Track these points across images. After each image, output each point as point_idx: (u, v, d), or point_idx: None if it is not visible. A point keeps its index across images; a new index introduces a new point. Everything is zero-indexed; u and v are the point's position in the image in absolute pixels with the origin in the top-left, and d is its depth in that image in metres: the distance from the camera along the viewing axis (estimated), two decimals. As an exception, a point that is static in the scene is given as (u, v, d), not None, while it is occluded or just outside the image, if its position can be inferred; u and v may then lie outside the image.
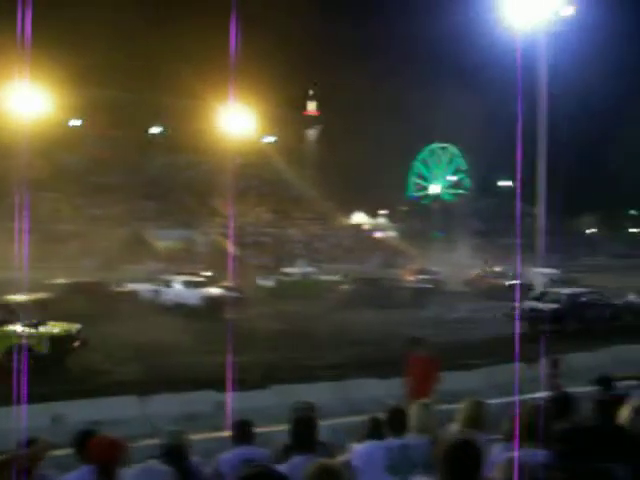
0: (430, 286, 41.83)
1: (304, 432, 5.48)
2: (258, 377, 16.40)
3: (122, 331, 24.08)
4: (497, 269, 48.86)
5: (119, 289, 34.29)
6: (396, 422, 5.69)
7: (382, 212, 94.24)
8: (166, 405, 13.31)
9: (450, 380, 15.63)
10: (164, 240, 59.48)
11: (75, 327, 20.55)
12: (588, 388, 9.51)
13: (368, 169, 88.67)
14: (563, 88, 63.87)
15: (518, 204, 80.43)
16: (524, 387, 11.85)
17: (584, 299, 29.83)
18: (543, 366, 14.33)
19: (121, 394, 14.00)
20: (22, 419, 8.87)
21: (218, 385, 13.28)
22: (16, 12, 9.39)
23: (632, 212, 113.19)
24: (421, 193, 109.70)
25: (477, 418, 5.74)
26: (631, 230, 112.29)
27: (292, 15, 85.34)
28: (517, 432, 4.77)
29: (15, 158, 54.70)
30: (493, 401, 11.22)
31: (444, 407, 8.63)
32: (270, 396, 13.98)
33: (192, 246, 60.73)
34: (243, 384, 13.67)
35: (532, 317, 28.08)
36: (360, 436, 6.05)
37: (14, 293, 23.78)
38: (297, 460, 5.11)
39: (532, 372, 15.14)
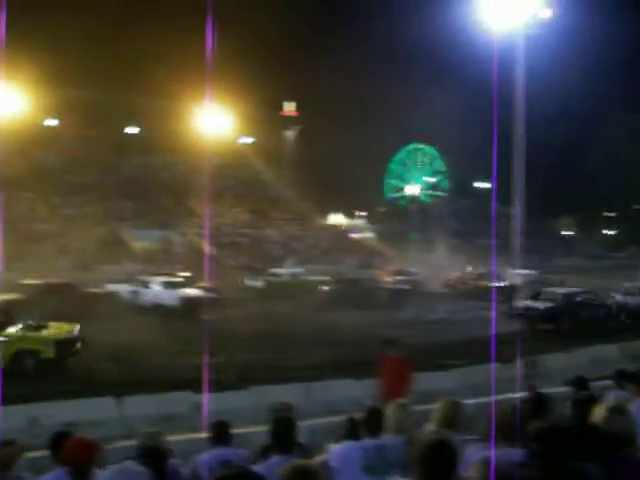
0: (408, 287, 41.96)
1: (283, 433, 5.49)
2: (234, 378, 16.35)
3: (96, 332, 23.94)
4: (480, 271, 48.41)
5: (92, 290, 33.99)
6: (373, 422, 5.71)
7: (360, 213, 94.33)
8: (143, 406, 13.26)
9: (426, 380, 15.69)
10: (141, 240, 59.21)
11: (76, 327, 20.42)
12: (563, 388, 9.59)
13: (346, 170, 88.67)
14: (541, 90, 64.36)
15: (494, 205, 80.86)
16: (500, 387, 11.92)
17: (579, 299, 30.48)
18: (519, 366, 14.45)
19: (97, 395, 13.92)
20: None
21: (195, 386, 13.26)
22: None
23: (609, 214, 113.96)
24: (398, 194, 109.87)
25: (452, 418, 5.77)
26: (607, 232, 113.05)
27: (269, 15, 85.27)
28: (492, 432, 4.80)
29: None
30: (469, 401, 11.29)
31: (420, 407, 8.65)
32: (247, 397, 13.97)
33: (169, 246, 60.50)
34: (219, 385, 13.66)
35: (528, 316, 28.80)
36: (337, 436, 6.06)
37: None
38: (275, 460, 5.12)
39: (508, 372, 15.25)
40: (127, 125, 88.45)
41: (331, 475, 5.37)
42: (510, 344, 15.70)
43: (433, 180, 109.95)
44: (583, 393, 7.41)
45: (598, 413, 4.46)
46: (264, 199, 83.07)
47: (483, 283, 42.83)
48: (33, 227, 56.53)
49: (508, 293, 38.10)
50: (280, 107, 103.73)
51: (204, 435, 6.88)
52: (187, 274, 40.72)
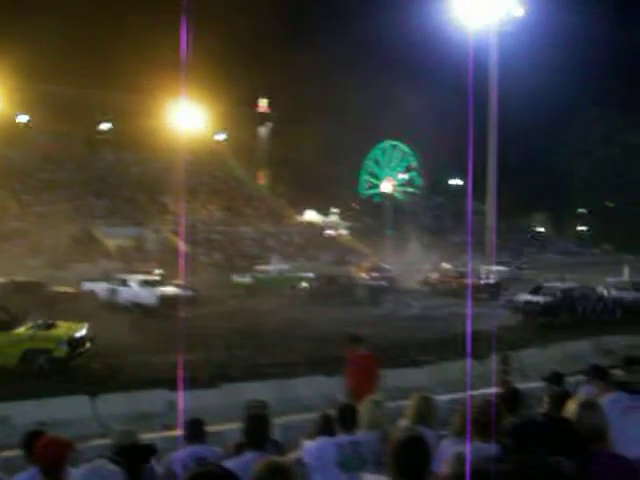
0: (386, 284, 42.07)
1: (256, 430, 5.49)
2: (207, 376, 16.32)
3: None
4: (459, 268, 47.63)
5: (60, 289, 33.62)
6: (346, 419, 5.73)
7: (334, 210, 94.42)
8: (117, 404, 13.20)
9: (400, 377, 15.80)
10: (114, 238, 58.82)
11: (85, 326, 20.24)
12: (538, 384, 9.66)
13: (320, 166, 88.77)
14: (514, 88, 64.72)
15: (469, 202, 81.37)
16: (475, 383, 12.02)
17: (576, 293, 31.44)
18: (494, 362, 14.54)
19: (71, 394, 13.83)
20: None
21: (170, 384, 13.23)
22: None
23: (581, 210, 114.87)
24: (373, 191, 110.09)
25: (425, 413, 5.80)
26: (580, 228, 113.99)
27: (243, 12, 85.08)
28: (468, 427, 4.84)
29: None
30: (443, 397, 11.37)
31: (395, 403, 8.70)
32: (221, 395, 13.95)
33: (143, 244, 60.15)
34: (194, 383, 13.63)
35: (527, 309, 30.14)
36: (311, 433, 6.07)
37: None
38: (248, 457, 5.11)
39: (483, 368, 15.36)
40: (100, 121, 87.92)
41: (306, 471, 5.39)
42: (487, 340, 15.81)
43: (407, 177, 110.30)
44: (554, 388, 7.48)
45: (570, 408, 4.51)
46: (238, 196, 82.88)
47: (462, 280, 41.87)
48: (3, 225, 55.94)
49: (494, 290, 38.62)
50: (255, 103, 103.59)
51: (179, 433, 6.85)
52: (161, 271, 40.59)
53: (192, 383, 13.17)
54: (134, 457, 5.50)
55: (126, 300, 32.67)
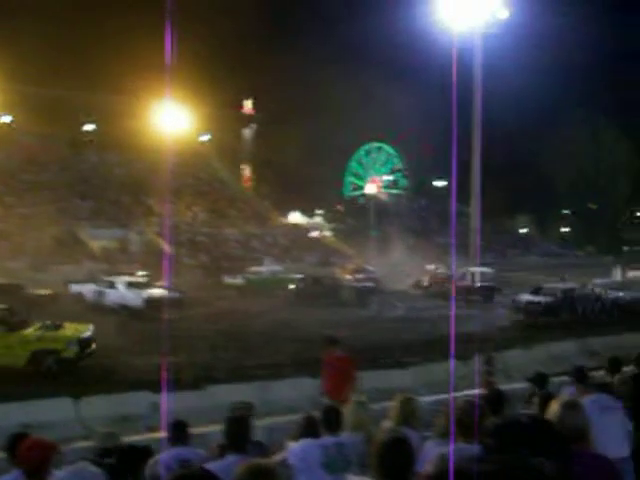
0: (373, 285, 41.95)
1: (237, 432, 5.47)
2: (192, 377, 16.29)
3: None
4: (448, 271, 47.13)
5: (40, 292, 33.40)
6: (331, 420, 5.74)
7: (319, 211, 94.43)
8: (100, 407, 13.15)
9: (385, 378, 15.83)
10: (98, 239, 58.56)
11: (91, 327, 20.26)
12: (522, 384, 9.72)
13: (304, 168, 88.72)
14: (499, 90, 64.88)
15: (453, 204, 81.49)
16: (459, 384, 12.05)
17: (576, 294, 32.49)
18: (478, 363, 14.58)
19: (54, 396, 13.76)
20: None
21: (154, 386, 13.20)
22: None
23: (565, 212, 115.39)
24: (357, 192, 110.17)
25: (409, 415, 5.82)
26: (564, 230, 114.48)
27: (227, 14, 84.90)
28: (452, 428, 4.86)
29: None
30: (427, 398, 11.40)
31: (379, 405, 8.72)
32: (205, 397, 13.93)
33: (127, 245, 59.92)
34: (178, 385, 13.60)
35: (528, 309, 31.08)
36: (295, 434, 6.08)
37: None
38: (229, 460, 5.11)
39: (467, 369, 15.41)
40: (84, 123, 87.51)
41: (291, 473, 5.40)
42: (473, 342, 15.87)
43: (391, 178, 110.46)
44: (541, 390, 7.54)
45: (552, 408, 4.54)
46: (223, 197, 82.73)
47: (456, 283, 41.12)
48: (-13, 227, 55.59)
49: (488, 293, 38.67)
50: (240, 105, 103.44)
51: (162, 435, 6.84)
52: (145, 273, 40.48)
53: (176, 385, 13.14)
54: (132, 458, 5.50)
55: (113, 302, 32.58)
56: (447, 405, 5.60)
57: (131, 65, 68.91)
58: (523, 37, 64.22)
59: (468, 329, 23.04)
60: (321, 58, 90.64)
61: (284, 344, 23.14)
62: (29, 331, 18.92)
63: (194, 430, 7.05)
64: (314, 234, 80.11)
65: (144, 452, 5.68)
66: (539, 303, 31.19)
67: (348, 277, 44.69)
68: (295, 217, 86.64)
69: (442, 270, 48.89)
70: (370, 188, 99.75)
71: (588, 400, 6.12)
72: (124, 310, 31.31)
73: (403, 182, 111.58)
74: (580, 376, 7.87)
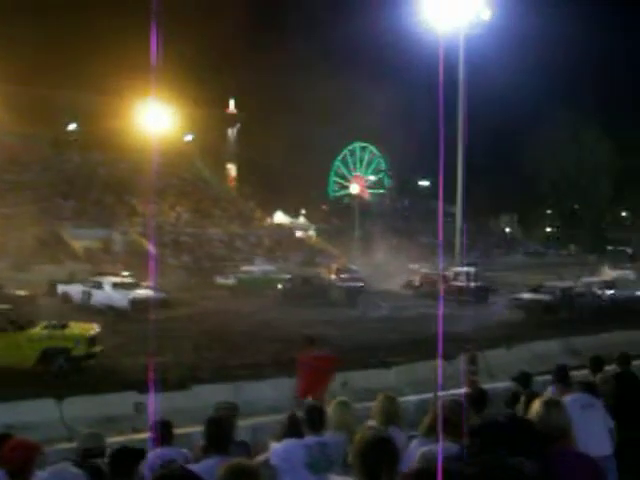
0: (362, 285, 41.75)
1: (217, 433, 5.45)
2: (177, 378, 16.26)
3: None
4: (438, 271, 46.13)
5: (19, 292, 33.17)
6: (314, 420, 5.74)
7: (303, 211, 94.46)
8: (84, 407, 13.10)
9: (369, 378, 15.86)
10: (81, 239, 58.26)
11: (96, 327, 20.24)
12: (505, 384, 9.76)
13: (289, 168, 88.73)
14: (483, 91, 65.19)
15: (440, 204, 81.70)
16: (443, 383, 12.06)
17: (575, 292, 33.73)
18: (462, 363, 14.63)
19: (38, 396, 13.69)
20: None
21: (139, 386, 13.17)
22: None
23: (548, 212, 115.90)
24: (342, 192, 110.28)
25: (391, 414, 5.83)
26: (548, 229, 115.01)
27: (212, 14, 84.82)
28: (437, 427, 4.88)
29: None
30: (411, 398, 11.44)
31: (363, 405, 8.73)
32: (190, 396, 13.90)
33: (110, 246, 59.65)
34: (164, 385, 13.56)
35: (530, 307, 32.35)
36: (278, 434, 6.08)
37: None
38: (210, 462, 5.11)
39: (452, 369, 15.45)
40: (67, 122, 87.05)
41: (274, 473, 5.40)
42: (460, 341, 15.90)
43: (375, 178, 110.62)
44: (520, 390, 7.57)
45: (534, 407, 4.57)
46: (207, 197, 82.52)
47: (450, 284, 40.57)
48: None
49: (482, 293, 38.68)
50: (225, 105, 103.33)
51: (147, 435, 6.83)
52: (128, 273, 40.31)
53: (161, 385, 13.10)
54: (126, 460, 5.50)
55: (99, 303, 32.48)
56: (432, 404, 5.62)
57: (115, 65, 68.70)
58: (506, 38, 64.61)
59: (456, 328, 23.17)
60: (305, 58, 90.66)
61: (271, 343, 23.11)
62: (37, 330, 18.88)
63: (179, 430, 7.05)
64: (298, 234, 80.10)
65: (137, 454, 5.67)
66: (540, 301, 32.28)
67: (333, 277, 44.62)
68: (279, 217, 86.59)
69: (427, 270, 47.97)
70: (354, 188, 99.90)
71: (569, 399, 6.15)
72: (110, 311, 31.20)
73: (387, 182, 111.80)
74: (561, 375, 7.91)
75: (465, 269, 45.31)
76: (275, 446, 5.69)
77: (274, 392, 14.31)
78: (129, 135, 75.30)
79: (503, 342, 21.91)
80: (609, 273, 47.38)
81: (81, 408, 13.04)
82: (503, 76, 79.65)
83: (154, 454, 6.05)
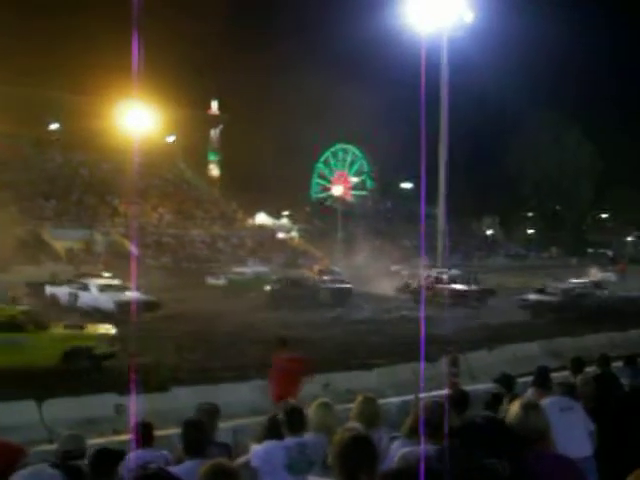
0: (350, 287, 41.35)
1: (193, 436, 5.43)
2: (158, 379, 16.20)
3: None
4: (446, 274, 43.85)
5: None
6: (293, 421, 5.73)
7: (286, 213, 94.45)
8: (65, 409, 13.02)
9: (350, 379, 15.87)
10: (63, 240, 57.98)
11: (113, 327, 20.28)
12: (487, 385, 9.78)
13: (272, 169, 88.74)
14: (465, 93, 65.48)
15: (422, 206, 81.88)
16: (425, 385, 12.10)
17: (579, 293, 34.99)
18: (444, 365, 14.68)
19: (18, 398, 13.58)
20: None
21: (119, 388, 13.11)
22: None
23: (530, 214, 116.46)
24: (324, 194, 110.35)
25: (371, 415, 5.84)
26: (530, 231, 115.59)
27: (195, 15, 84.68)
28: (418, 429, 4.88)
29: None
30: (393, 399, 11.45)
31: (345, 406, 8.73)
32: (170, 399, 13.85)
33: (92, 246, 59.41)
34: (144, 387, 13.50)
35: (537, 308, 33.43)
36: (259, 436, 6.06)
37: None
38: (187, 465, 5.10)
39: (434, 371, 15.50)
40: (48, 122, 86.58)
41: (254, 475, 5.39)
42: (444, 343, 15.94)
43: (358, 180, 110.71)
44: (502, 392, 7.60)
45: (512, 409, 4.58)
46: (189, 198, 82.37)
47: (450, 287, 39.50)
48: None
49: (481, 297, 38.66)
50: (208, 106, 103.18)
51: (127, 437, 6.80)
52: (109, 274, 40.14)
53: (142, 387, 13.04)
54: (106, 462, 5.47)
55: (86, 305, 32.33)
56: (414, 406, 5.63)
57: (97, 65, 68.55)
58: (488, 40, 64.89)
59: (445, 331, 23.28)
60: (289, 59, 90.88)
61: (254, 345, 23.02)
62: (59, 329, 18.95)
63: (159, 432, 7.02)
64: (281, 235, 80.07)
65: (117, 455, 5.65)
66: (546, 302, 33.46)
67: (316, 278, 44.50)
68: (262, 218, 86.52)
69: (431, 273, 45.86)
70: (337, 190, 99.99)
71: (548, 401, 6.18)
72: (97, 313, 31.03)
73: (370, 184, 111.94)
74: (540, 378, 7.96)
75: (444, 270, 45.27)
76: (255, 448, 5.68)
77: (255, 394, 14.28)
78: (111, 135, 75.04)
79: (485, 344, 21.99)
80: (596, 274, 47.91)
81: (62, 410, 12.96)
82: (485, 78, 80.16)
83: (134, 455, 6.02)
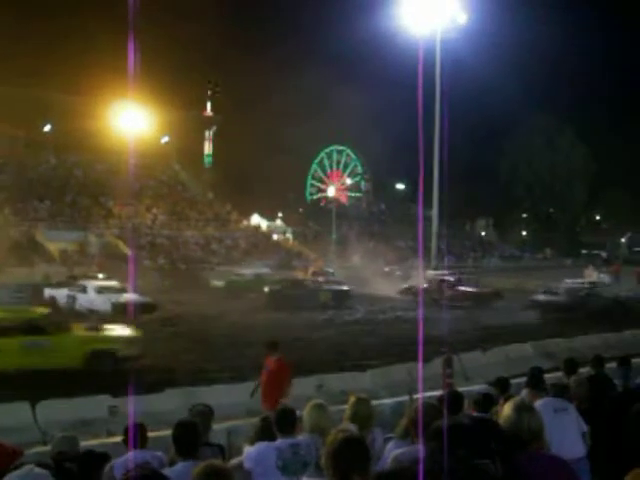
0: (349, 288, 41.12)
1: (185, 437, 5.41)
2: (153, 381, 16.19)
3: None
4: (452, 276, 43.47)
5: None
6: (285, 422, 5.73)
7: (280, 214, 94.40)
8: (59, 411, 13.00)
9: (345, 380, 15.88)
10: (57, 241, 57.83)
11: (132, 329, 20.29)
12: (480, 386, 9.79)
13: (266, 171, 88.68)
14: (459, 95, 65.50)
15: (420, 208, 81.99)
16: (416, 386, 12.11)
17: (586, 292, 35.52)
18: (439, 365, 14.68)
19: (11, 400, 13.55)
20: None
21: (113, 389, 13.11)
22: None
23: (524, 216, 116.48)
24: (318, 195, 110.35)
25: (364, 416, 5.84)
26: (524, 233, 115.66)
27: (190, 16, 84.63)
28: (412, 430, 4.88)
29: None
30: (387, 401, 11.46)
31: (339, 407, 8.74)
32: (167, 400, 13.84)
33: (86, 248, 59.25)
34: (138, 388, 13.49)
35: (545, 308, 34.14)
36: (252, 438, 6.06)
37: None
38: (179, 467, 5.09)
39: (429, 371, 15.51)
40: (42, 123, 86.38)
41: (247, 477, 5.39)
42: (440, 344, 15.94)
43: (352, 181, 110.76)
44: (495, 394, 7.62)
45: (505, 410, 4.59)
46: (183, 200, 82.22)
47: (459, 289, 39.34)
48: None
49: (488, 298, 38.63)
50: (201, 108, 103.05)
51: (120, 439, 6.79)
52: (103, 276, 40.07)
53: (136, 388, 13.03)
54: (89, 464, 5.46)
55: (83, 306, 32.34)
56: (408, 407, 5.64)
57: (91, 66, 68.44)
58: (482, 42, 64.97)
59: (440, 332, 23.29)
60: (283, 60, 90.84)
61: (245, 347, 23.03)
62: (81, 331, 19.00)
63: (153, 433, 7.01)
64: (275, 237, 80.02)
65: (101, 458, 5.64)
66: (555, 302, 34.10)
67: (311, 279, 44.43)
68: (256, 220, 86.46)
69: (436, 274, 45.46)
70: (331, 191, 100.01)
71: (541, 403, 6.20)
72: (93, 314, 30.99)
73: (364, 185, 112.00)
74: (534, 380, 7.97)
75: (440, 272, 45.26)
76: (248, 449, 5.68)
77: (249, 395, 14.29)
78: (105, 136, 74.89)
79: (479, 345, 22.03)
80: (592, 275, 47.99)
81: (55, 411, 12.94)
82: (479, 80, 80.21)
83: (127, 457, 6.02)
